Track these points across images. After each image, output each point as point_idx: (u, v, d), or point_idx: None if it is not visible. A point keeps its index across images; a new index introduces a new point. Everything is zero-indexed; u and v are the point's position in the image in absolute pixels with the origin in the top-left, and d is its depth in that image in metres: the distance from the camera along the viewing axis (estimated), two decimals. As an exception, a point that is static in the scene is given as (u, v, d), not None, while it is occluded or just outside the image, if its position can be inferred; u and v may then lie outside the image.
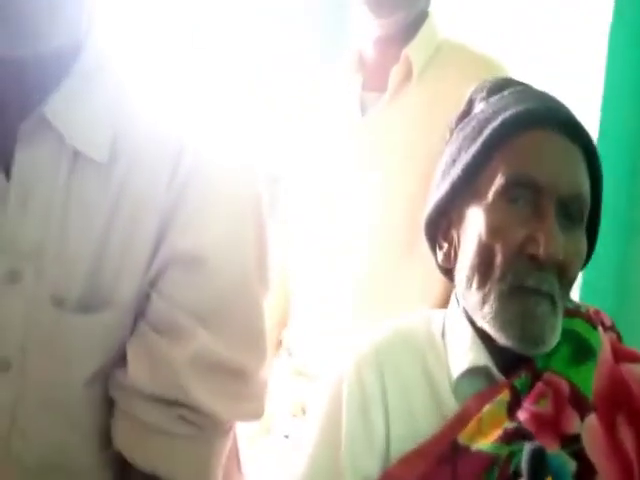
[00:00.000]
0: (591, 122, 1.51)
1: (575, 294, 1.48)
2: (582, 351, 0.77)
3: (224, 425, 0.74)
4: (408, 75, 1.18)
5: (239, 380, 0.73)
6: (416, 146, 1.13)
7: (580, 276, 1.47)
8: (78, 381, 0.71)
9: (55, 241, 0.68)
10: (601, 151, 1.48)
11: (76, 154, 0.69)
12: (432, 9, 1.22)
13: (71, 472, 0.75)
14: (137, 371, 0.70)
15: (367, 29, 1.21)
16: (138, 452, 0.71)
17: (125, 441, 0.72)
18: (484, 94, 0.88)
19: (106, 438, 0.75)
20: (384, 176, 1.16)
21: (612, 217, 1.52)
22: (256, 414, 0.76)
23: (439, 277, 0.90)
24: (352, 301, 1.17)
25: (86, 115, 0.68)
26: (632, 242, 1.53)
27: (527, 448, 0.55)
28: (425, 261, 0.93)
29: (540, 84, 0.90)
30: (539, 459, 0.54)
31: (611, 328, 0.85)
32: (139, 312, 0.71)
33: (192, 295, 0.70)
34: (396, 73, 1.17)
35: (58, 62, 0.68)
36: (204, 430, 0.71)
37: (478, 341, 0.79)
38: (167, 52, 0.78)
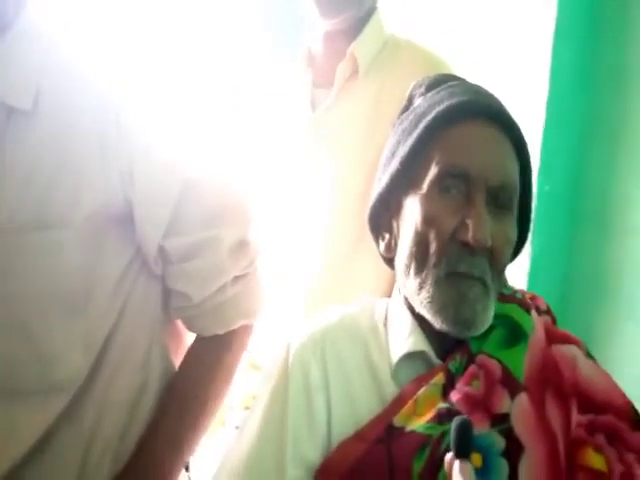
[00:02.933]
0: (537, 113, 1.55)
1: (523, 281, 1.53)
2: (514, 334, 0.80)
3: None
4: (355, 71, 1.20)
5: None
6: (363, 142, 1.15)
7: (528, 263, 1.54)
8: (25, 293, 0.81)
9: None
10: (548, 141, 1.55)
11: (10, 110, 0.80)
12: (379, 4, 1.24)
13: (15, 391, 0.82)
14: (191, 289, 0.89)
15: (316, 25, 1.23)
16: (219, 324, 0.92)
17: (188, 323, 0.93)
18: (423, 90, 0.91)
19: (61, 363, 0.82)
20: (334, 171, 1.19)
21: (559, 206, 1.57)
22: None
23: (388, 270, 0.92)
24: (304, 295, 1.20)
25: (14, 73, 0.80)
26: (579, 230, 1.57)
27: (454, 422, 0.57)
28: (375, 255, 0.95)
29: (485, 78, 0.93)
30: (465, 431, 0.56)
31: (546, 312, 0.88)
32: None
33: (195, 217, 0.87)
34: (342, 70, 1.19)
35: None
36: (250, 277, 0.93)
37: (417, 327, 0.81)
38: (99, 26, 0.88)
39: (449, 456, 0.56)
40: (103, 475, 0.87)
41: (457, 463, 0.55)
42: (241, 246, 0.91)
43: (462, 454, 0.56)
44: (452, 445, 0.56)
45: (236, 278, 0.92)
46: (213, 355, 0.93)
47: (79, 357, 0.84)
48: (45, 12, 0.84)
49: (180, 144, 0.86)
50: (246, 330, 0.97)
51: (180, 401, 0.91)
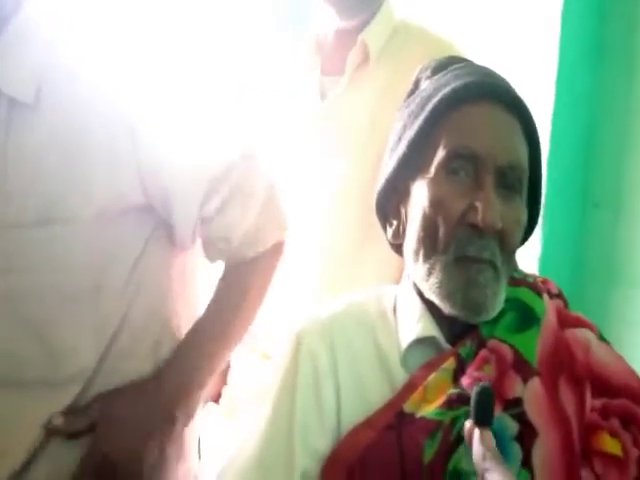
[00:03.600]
0: (546, 98, 1.53)
1: (534, 266, 1.51)
2: (526, 318, 0.79)
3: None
4: (365, 59, 1.19)
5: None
6: (375, 129, 1.15)
7: (539, 250, 1.52)
8: (34, 288, 0.81)
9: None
10: (557, 126, 1.53)
11: (11, 101, 0.80)
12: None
13: (24, 384, 0.82)
14: (231, 231, 0.93)
15: (329, 21, 1.22)
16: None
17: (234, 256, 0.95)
18: (429, 73, 0.89)
19: (70, 357, 0.83)
20: (344, 160, 1.18)
21: (570, 190, 1.55)
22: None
23: (396, 258, 0.91)
24: (314, 284, 1.19)
25: (15, 66, 0.80)
26: (588, 216, 1.56)
27: (475, 389, 0.56)
28: (384, 243, 0.94)
29: (493, 62, 0.92)
30: (486, 399, 0.55)
31: (558, 296, 0.87)
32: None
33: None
34: (353, 57, 1.18)
35: None
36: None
37: (426, 313, 0.80)
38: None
39: (469, 424, 0.55)
40: None
41: (477, 431, 0.53)
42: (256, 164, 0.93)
43: (483, 422, 0.54)
44: (472, 413, 0.55)
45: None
46: (252, 272, 0.97)
47: (89, 350, 0.84)
48: (44, 9, 0.83)
49: (200, 127, 0.88)
50: (279, 246, 0.99)
51: (219, 313, 0.95)
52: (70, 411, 0.84)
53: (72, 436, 0.85)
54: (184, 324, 0.96)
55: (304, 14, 1.43)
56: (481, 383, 0.56)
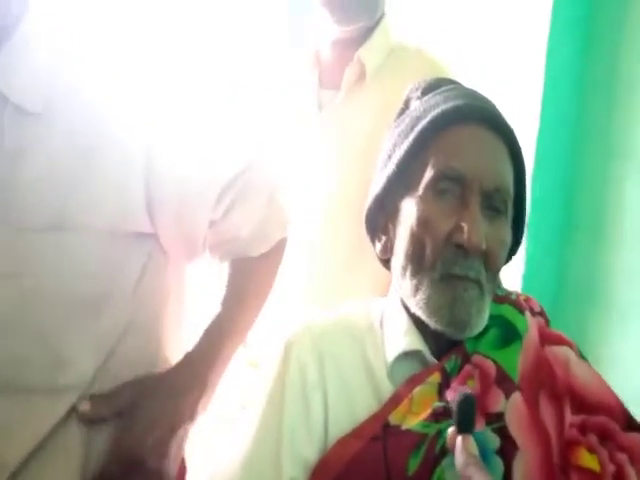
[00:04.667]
0: (531, 120, 1.57)
1: (518, 285, 1.54)
2: (508, 335, 0.81)
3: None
4: (362, 76, 1.22)
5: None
6: (368, 145, 1.17)
7: (523, 268, 1.55)
8: (40, 295, 0.80)
9: (2, 182, 0.79)
10: (541, 148, 1.57)
11: (17, 109, 0.79)
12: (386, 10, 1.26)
13: (21, 389, 0.81)
14: (240, 230, 0.94)
15: (327, 32, 1.24)
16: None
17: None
18: (419, 93, 0.92)
19: (72, 365, 0.82)
20: (338, 173, 1.20)
21: (553, 212, 1.59)
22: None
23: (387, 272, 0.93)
24: (305, 295, 1.20)
25: (23, 74, 0.80)
26: (571, 236, 1.59)
27: (457, 397, 0.57)
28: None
29: (480, 84, 0.94)
30: (468, 406, 0.56)
31: (540, 313, 0.89)
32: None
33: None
34: (349, 73, 1.21)
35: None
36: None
37: (413, 327, 0.82)
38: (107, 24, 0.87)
39: (451, 430, 0.56)
40: None
41: (460, 438, 0.55)
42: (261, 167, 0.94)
43: (466, 429, 0.56)
44: (455, 420, 0.57)
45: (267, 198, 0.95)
46: (260, 270, 0.99)
47: (90, 360, 0.84)
48: (50, 17, 0.83)
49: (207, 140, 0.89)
50: (283, 242, 1.01)
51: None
52: (96, 397, 0.84)
53: (97, 422, 0.85)
54: (175, 346, 0.96)
55: (301, 22, 1.45)
56: (463, 391, 0.58)
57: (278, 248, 1.00)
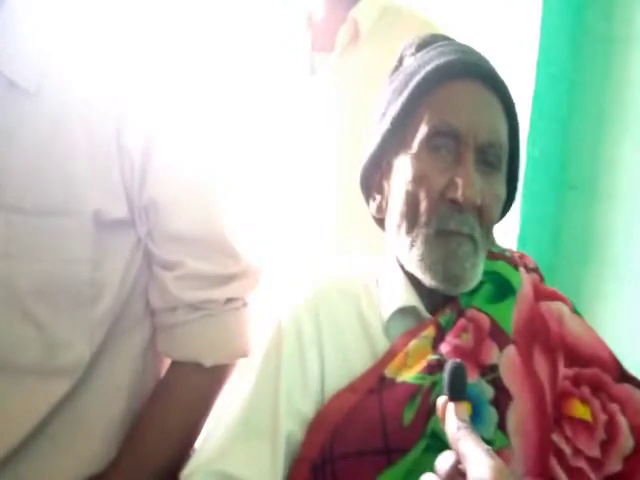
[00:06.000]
0: (527, 79, 1.56)
1: (513, 245, 1.55)
2: (503, 290, 0.82)
3: (229, 303, 0.91)
4: (355, 36, 1.20)
5: (223, 277, 0.90)
6: (365, 104, 1.16)
7: (518, 228, 1.56)
8: (32, 278, 0.80)
9: None
10: (536, 110, 1.56)
11: (10, 84, 0.78)
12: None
13: (18, 371, 0.82)
14: (151, 295, 0.89)
15: None
16: (175, 348, 0.90)
17: (163, 345, 0.91)
18: (412, 50, 0.91)
19: (65, 350, 0.82)
20: (334, 137, 1.19)
21: (548, 171, 1.59)
22: (249, 288, 0.93)
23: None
24: (306, 257, 1.21)
25: (17, 49, 0.78)
26: (567, 195, 1.60)
27: (447, 365, 0.58)
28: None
29: (476, 42, 0.94)
30: (459, 374, 0.57)
31: (534, 270, 0.90)
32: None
33: (174, 235, 0.87)
34: (343, 33, 1.20)
35: None
36: (214, 312, 0.89)
37: (408, 284, 0.83)
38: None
39: (441, 399, 0.58)
40: (102, 460, 0.88)
41: (452, 405, 0.56)
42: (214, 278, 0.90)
43: (458, 397, 0.57)
44: (446, 388, 0.58)
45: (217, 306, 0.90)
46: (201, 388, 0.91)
47: (83, 346, 0.84)
48: None
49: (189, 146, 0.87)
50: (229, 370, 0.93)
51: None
52: None
53: None
54: None
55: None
56: (453, 360, 0.59)
57: (229, 370, 0.92)
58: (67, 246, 0.81)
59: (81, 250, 0.82)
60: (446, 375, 0.58)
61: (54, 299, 0.82)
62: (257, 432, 0.78)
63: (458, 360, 0.59)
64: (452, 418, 0.55)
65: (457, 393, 0.57)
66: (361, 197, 0.92)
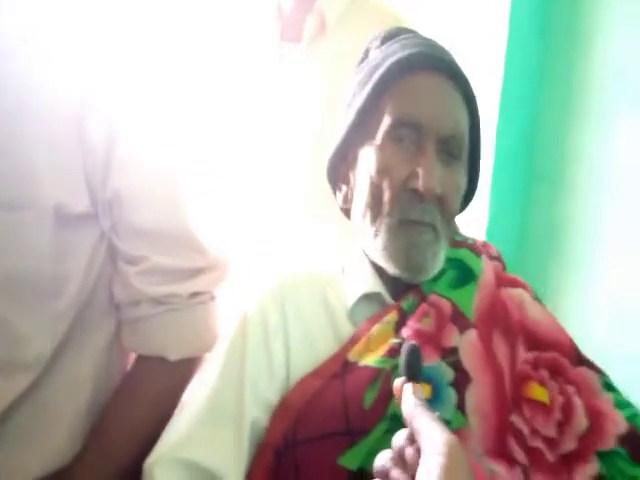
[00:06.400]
0: (496, 69, 1.58)
1: (482, 234, 1.58)
2: (464, 276, 0.84)
3: (194, 297, 0.91)
4: (322, 27, 1.22)
5: (188, 271, 0.90)
6: (331, 94, 1.17)
7: (485, 221, 1.59)
8: (2, 278, 0.80)
9: None
10: (505, 103, 1.59)
11: None
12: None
13: (8, 338, 0.82)
14: (115, 289, 0.89)
15: None
16: (140, 343, 0.90)
17: (128, 339, 0.91)
18: (378, 42, 0.93)
19: (27, 345, 0.82)
20: (301, 123, 1.21)
21: (516, 161, 1.62)
22: (216, 281, 0.93)
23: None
24: (269, 248, 1.22)
25: None
26: (534, 185, 1.62)
27: (404, 347, 0.60)
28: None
29: (445, 35, 0.95)
30: (414, 355, 0.59)
31: (497, 258, 0.93)
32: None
33: (138, 229, 0.86)
34: (310, 25, 1.21)
35: None
36: (179, 307, 0.89)
37: (372, 272, 0.85)
38: None
39: (398, 381, 0.60)
40: (67, 454, 0.87)
41: (409, 386, 0.58)
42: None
43: (415, 377, 0.59)
44: (403, 369, 0.59)
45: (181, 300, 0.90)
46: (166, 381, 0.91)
47: (46, 340, 0.84)
48: None
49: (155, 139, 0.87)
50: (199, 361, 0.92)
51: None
52: None
53: None
54: None
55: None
56: (409, 342, 0.61)
57: (195, 364, 0.91)
58: (28, 240, 0.80)
59: (42, 245, 0.81)
60: (403, 356, 0.60)
61: (15, 294, 0.81)
62: (222, 419, 0.79)
63: (414, 342, 0.61)
64: (409, 397, 0.57)
65: (413, 373, 0.59)
66: (321, 185, 0.93)
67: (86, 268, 0.85)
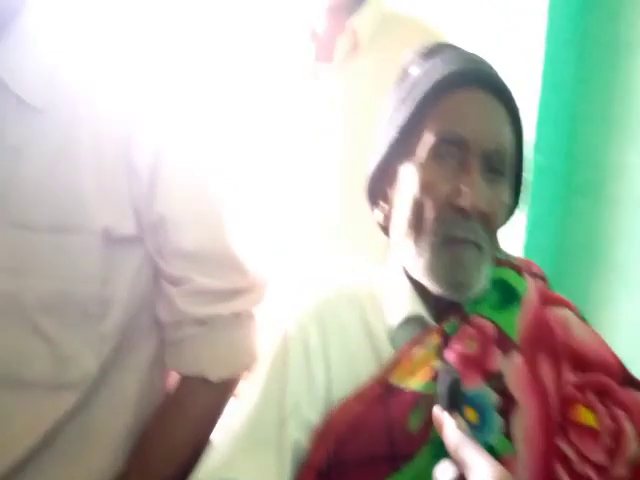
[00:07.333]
0: (533, 85, 1.56)
1: (519, 251, 1.55)
2: (508, 296, 0.83)
3: (235, 318, 0.92)
4: (355, 45, 1.21)
5: (230, 292, 0.91)
6: (365, 114, 1.17)
7: (524, 234, 1.56)
8: (41, 294, 0.81)
9: (3, 175, 0.80)
10: (542, 116, 1.57)
11: (19, 101, 0.79)
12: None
13: (27, 384, 0.83)
14: (159, 310, 0.90)
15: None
16: (182, 363, 0.91)
17: (170, 359, 0.92)
18: (418, 59, 0.92)
19: (74, 364, 0.83)
20: (335, 145, 1.20)
21: (554, 177, 1.59)
22: (255, 301, 0.94)
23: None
24: (306, 261, 1.22)
25: (26, 66, 0.79)
26: (573, 200, 1.60)
27: (442, 377, 0.59)
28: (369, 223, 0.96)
29: (481, 49, 0.94)
30: (455, 385, 0.58)
31: (539, 276, 0.91)
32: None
33: (183, 251, 0.88)
34: (342, 43, 1.21)
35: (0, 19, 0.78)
36: (220, 327, 0.90)
37: (413, 292, 0.84)
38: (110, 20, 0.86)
39: (438, 409, 0.58)
40: (109, 473, 0.88)
41: (450, 418, 0.56)
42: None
43: (453, 407, 0.57)
44: (442, 399, 0.58)
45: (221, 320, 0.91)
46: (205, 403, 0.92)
47: (92, 360, 0.85)
48: (49, 11, 0.82)
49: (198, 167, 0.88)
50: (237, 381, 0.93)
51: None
52: None
53: None
54: None
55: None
56: (446, 372, 0.59)
57: (235, 385, 0.92)
58: (76, 263, 0.82)
59: (90, 267, 0.82)
60: (441, 386, 0.58)
61: (63, 315, 0.82)
62: (264, 442, 0.78)
63: (452, 369, 0.59)
64: (451, 427, 0.55)
65: (453, 403, 0.57)
66: (363, 203, 0.93)
67: (131, 289, 0.86)
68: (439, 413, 0.57)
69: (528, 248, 1.55)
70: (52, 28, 0.82)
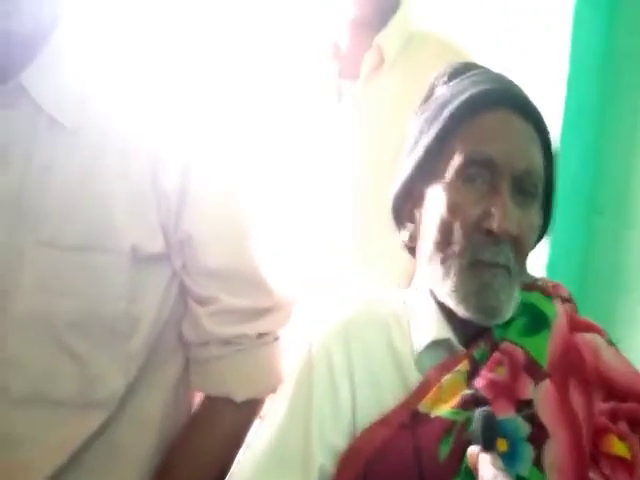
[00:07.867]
0: (556, 103, 1.55)
1: (542, 272, 1.53)
2: (537, 322, 0.81)
3: (261, 338, 0.91)
4: (380, 63, 1.21)
5: (256, 311, 0.90)
6: (391, 132, 1.16)
7: (546, 257, 1.54)
8: (70, 313, 0.81)
9: (33, 194, 0.80)
10: (565, 136, 1.55)
11: (51, 120, 0.80)
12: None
13: (55, 403, 0.83)
14: (185, 329, 0.90)
15: (342, 11, 1.23)
16: (208, 383, 0.90)
17: (196, 379, 0.91)
18: (445, 78, 0.91)
19: (102, 383, 0.83)
20: (360, 163, 1.20)
21: (578, 197, 1.57)
22: (281, 322, 0.93)
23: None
24: (325, 280, 1.21)
25: (58, 86, 0.80)
26: (597, 221, 1.58)
27: (477, 414, 0.57)
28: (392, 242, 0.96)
29: (505, 69, 0.93)
30: (490, 422, 0.57)
31: (568, 300, 0.89)
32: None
33: (209, 269, 0.87)
34: (368, 60, 1.20)
35: (33, 38, 0.79)
36: (246, 347, 0.89)
37: (440, 315, 0.82)
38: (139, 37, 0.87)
39: (472, 449, 0.56)
40: None
41: (486, 456, 0.55)
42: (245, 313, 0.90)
43: (489, 446, 0.56)
44: (478, 437, 0.56)
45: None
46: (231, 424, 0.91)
47: (120, 378, 0.85)
48: (80, 30, 0.83)
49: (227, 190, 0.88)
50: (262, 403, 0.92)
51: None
52: None
53: None
54: None
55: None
56: (482, 409, 0.58)
57: (260, 405, 0.92)
58: (104, 281, 0.82)
59: (118, 285, 0.82)
60: (477, 424, 0.57)
61: (91, 333, 0.82)
62: (289, 465, 0.77)
63: (487, 408, 0.58)
64: (487, 467, 0.54)
65: (489, 442, 0.56)
66: (385, 222, 0.91)
67: (158, 307, 0.86)
68: (475, 452, 0.56)
69: (551, 269, 1.53)
70: (83, 47, 0.82)
